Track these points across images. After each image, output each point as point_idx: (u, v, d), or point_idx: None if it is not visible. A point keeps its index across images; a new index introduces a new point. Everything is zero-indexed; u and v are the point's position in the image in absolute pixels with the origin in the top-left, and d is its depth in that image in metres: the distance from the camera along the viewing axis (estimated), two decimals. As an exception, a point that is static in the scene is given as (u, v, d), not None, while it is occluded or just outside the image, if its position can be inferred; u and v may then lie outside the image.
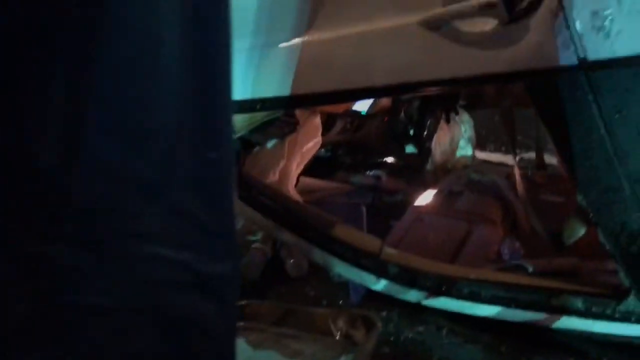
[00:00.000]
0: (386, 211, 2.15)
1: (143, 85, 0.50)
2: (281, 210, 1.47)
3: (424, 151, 2.43)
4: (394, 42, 1.07)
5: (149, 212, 0.51)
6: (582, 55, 0.90)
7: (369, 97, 1.85)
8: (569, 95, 0.93)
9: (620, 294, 1.07)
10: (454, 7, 0.94)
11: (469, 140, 2.47)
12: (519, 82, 1.10)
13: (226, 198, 0.58)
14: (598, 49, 0.91)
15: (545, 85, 0.95)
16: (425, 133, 2.38)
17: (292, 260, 1.50)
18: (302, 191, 1.94)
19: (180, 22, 0.53)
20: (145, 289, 0.51)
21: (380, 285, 1.36)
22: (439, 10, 0.96)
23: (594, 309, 1.10)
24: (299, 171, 1.80)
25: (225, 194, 0.58)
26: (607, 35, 0.89)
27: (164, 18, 0.51)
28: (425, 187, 2.09)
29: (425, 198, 1.97)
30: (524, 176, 2.06)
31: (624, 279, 1.05)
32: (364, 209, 2.17)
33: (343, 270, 1.41)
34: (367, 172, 2.51)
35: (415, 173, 2.48)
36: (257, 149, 1.65)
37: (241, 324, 0.84)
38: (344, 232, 1.43)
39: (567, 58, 0.92)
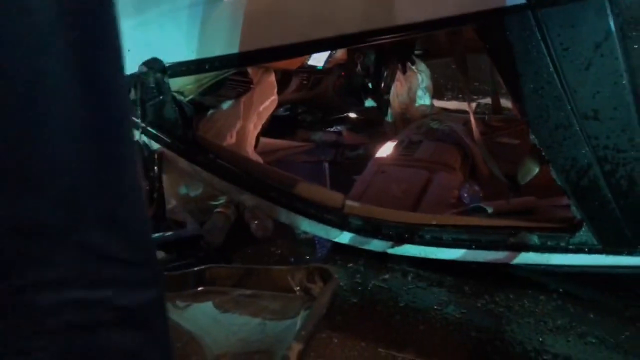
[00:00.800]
0: (348, 166, 2.15)
1: (21, 126, 0.47)
2: (241, 172, 1.45)
3: (383, 103, 2.43)
4: None
5: (57, 257, 0.48)
6: (528, -7, 0.89)
7: (323, 50, 1.81)
8: (517, 34, 0.93)
9: (572, 227, 1.11)
10: None
11: (427, 89, 2.48)
12: (469, 25, 1.09)
13: (142, 226, 0.55)
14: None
15: (494, 26, 0.94)
16: (383, 85, 2.38)
17: (256, 222, 1.49)
18: (262, 152, 1.91)
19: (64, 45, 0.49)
20: (64, 338, 0.49)
21: (345, 238, 1.37)
22: None
23: (549, 243, 1.14)
24: (256, 131, 1.76)
25: (141, 222, 0.55)
26: None
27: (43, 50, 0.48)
28: (385, 139, 2.10)
29: (386, 150, 1.98)
30: (480, 121, 2.10)
31: (575, 212, 1.09)
32: (326, 166, 2.17)
33: (308, 226, 1.41)
34: (328, 129, 2.50)
35: (376, 126, 2.49)
36: (211, 111, 1.60)
37: (201, 288, 0.84)
38: (306, 189, 1.43)
39: (515, -3, 0.91)
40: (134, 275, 0.53)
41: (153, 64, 1.37)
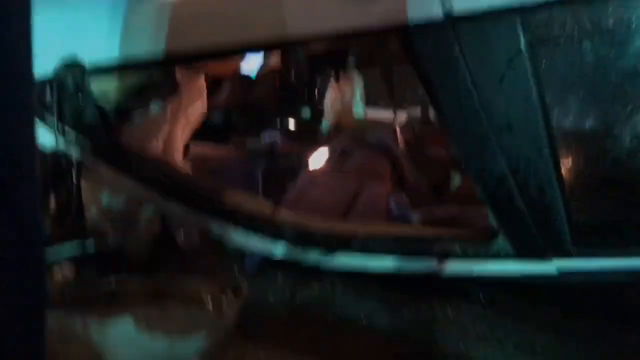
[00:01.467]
0: (282, 175, 2.14)
1: None
2: (167, 181, 1.40)
3: (317, 112, 2.44)
4: None
5: None
6: (448, 9, 0.92)
7: (247, 52, 1.79)
8: (436, 48, 0.96)
9: (490, 235, 1.15)
10: None
11: (360, 98, 2.52)
12: (390, 36, 1.12)
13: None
14: (462, 2, 0.93)
15: (416, 40, 0.97)
16: (317, 93, 2.39)
17: (182, 233, 1.44)
18: (194, 160, 1.86)
19: None
20: None
21: (279, 251, 1.35)
22: None
23: (469, 251, 1.18)
24: (185, 136, 1.71)
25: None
26: None
27: None
28: (319, 147, 2.11)
29: (318, 159, 1.98)
30: (410, 131, 2.16)
31: (492, 220, 1.13)
32: (259, 175, 2.15)
33: (239, 238, 1.38)
34: (262, 136, 2.47)
35: (310, 134, 2.49)
36: (136, 115, 1.54)
37: (114, 304, 0.80)
38: (236, 198, 1.40)
39: (434, 12, 0.94)
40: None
41: (72, 63, 1.30)
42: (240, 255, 1.47)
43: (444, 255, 1.21)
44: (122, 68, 1.27)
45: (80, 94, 1.31)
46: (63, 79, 1.30)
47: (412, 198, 1.65)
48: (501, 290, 1.29)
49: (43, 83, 1.31)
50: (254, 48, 1.28)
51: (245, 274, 1.37)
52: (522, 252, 1.13)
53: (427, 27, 0.94)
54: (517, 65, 0.92)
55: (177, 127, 1.62)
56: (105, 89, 1.40)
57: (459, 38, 0.92)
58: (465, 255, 1.17)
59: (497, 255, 1.14)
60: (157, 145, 1.56)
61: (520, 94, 0.94)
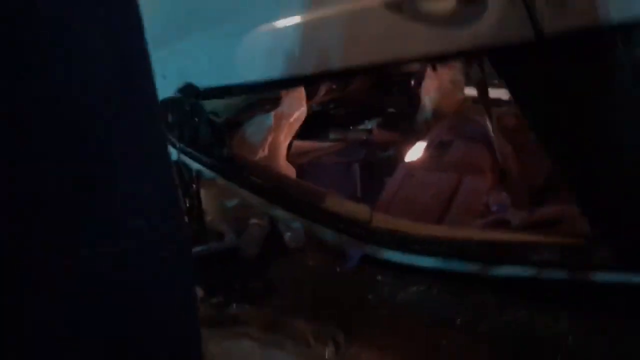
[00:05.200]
0: (379, 167, 2.19)
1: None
2: (272, 188, 1.53)
3: (414, 100, 2.43)
4: (362, 24, 1.09)
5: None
6: (539, 29, 0.91)
7: (344, 77, 1.85)
8: (530, 67, 0.95)
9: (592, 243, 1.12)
10: None
11: (458, 83, 2.46)
12: (483, 57, 1.10)
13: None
14: (553, 24, 0.93)
15: (508, 59, 0.97)
16: (413, 81, 2.38)
17: (289, 233, 1.58)
18: (295, 154, 1.99)
19: None
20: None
21: (377, 252, 1.43)
22: None
23: (570, 260, 1.17)
24: (287, 142, 1.83)
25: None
26: (561, 9, 0.91)
27: None
28: (417, 138, 2.12)
29: (416, 152, 2.00)
30: (510, 119, 2.08)
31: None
32: (357, 167, 2.22)
33: (337, 239, 1.48)
34: (359, 126, 2.53)
35: (408, 123, 2.50)
36: (243, 127, 1.68)
37: (234, 330, 0.93)
38: (334, 203, 1.49)
39: (526, 33, 0.94)
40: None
41: (187, 89, 1.46)
42: (342, 254, 1.57)
43: (542, 264, 1.20)
44: (231, 91, 1.40)
45: (195, 115, 1.48)
46: (180, 102, 1.47)
47: (513, 195, 1.62)
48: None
49: (165, 105, 1.49)
50: (359, 71, 1.33)
51: (345, 273, 1.48)
52: (627, 264, 1.09)
53: (519, 49, 0.93)
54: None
55: (281, 134, 1.75)
56: (216, 106, 1.55)
57: (552, 58, 0.91)
58: (559, 265, 1.16)
59: (599, 267, 1.11)
60: (263, 153, 1.70)
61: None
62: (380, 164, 2.22)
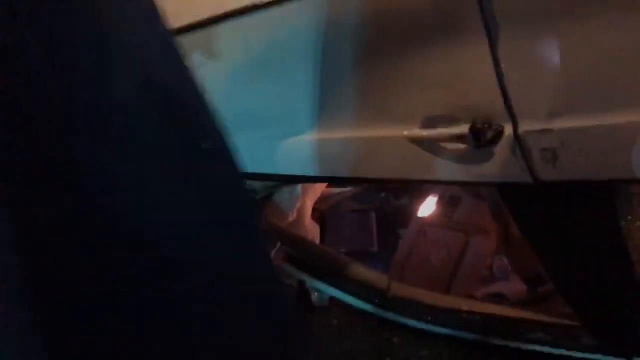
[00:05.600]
0: (394, 217, 2.39)
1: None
2: (300, 256, 1.74)
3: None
4: (387, 147, 1.27)
5: None
6: (535, 177, 1.11)
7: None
8: (528, 203, 1.15)
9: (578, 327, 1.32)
10: (433, 132, 1.14)
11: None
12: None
13: None
14: (547, 175, 1.12)
15: (510, 194, 1.16)
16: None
17: (316, 294, 1.79)
18: (318, 200, 2.20)
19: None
20: None
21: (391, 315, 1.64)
22: (422, 132, 1.17)
23: (556, 341, 1.37)
24: (313, 204, 2.04)
25: None
26: (554, 163, 1.11)
27: None
28: (428, 191, 2.30)
29: (428, 206, 2.20)
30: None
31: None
32: (373, 217, 2.42)
33: (358, 304, 1.69)
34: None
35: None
36: (275, 196, 1.89)
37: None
38: (356, 272, 1.70)
39: (525, 177, 1.13)
40: None
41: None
42: (364, 313, 1.78)
43: (537, 342, 1.40)
44: (272, 179, 1.60)
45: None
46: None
47: (515, 261, 1.82)
48: None
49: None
50: (376, 182, 1.52)
51: (366, 333, 1.69)
52: (608, 350, 1.29)
53: (519, 188, 1.13)
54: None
55: (308, 199, 1.96)
56: (253, 183, 1.76)
57: (546, 198, 1.11)
58: (551, 344, 1.36)
59: (583, 349, 1.31)
60: (292, 217, 1.91)
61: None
62: (394, 214, 2.42)
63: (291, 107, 1.37)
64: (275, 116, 1.43)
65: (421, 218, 2.15)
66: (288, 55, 1.28)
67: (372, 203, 2.49)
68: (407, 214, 2.29)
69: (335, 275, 1.69)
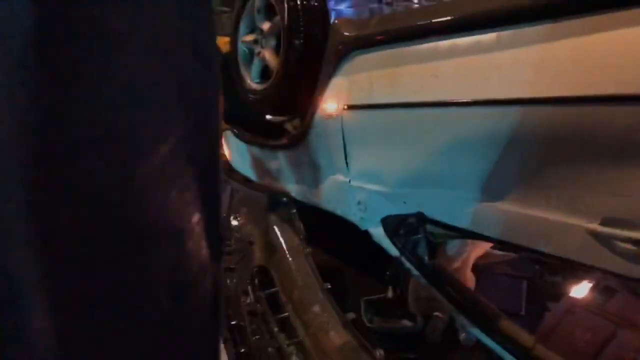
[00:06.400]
0: (545, 289, 2.56)
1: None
2: (459, 298, 2.06)
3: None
4: (564, 230, 1.53)
5: None
6: None
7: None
8: None
9: None
10: (612, 231, 1.39)
11: None
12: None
13: None
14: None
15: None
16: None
17: (464, 334, 2.09)
18: (478, 258, 2.48)
19: None
20: None
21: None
22: (602, 229, 1.42)
23: None
24: (476, 256, 2.35)
25: None
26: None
27: None
28: (584, 275, 2.45)
29: (581, 289, 2.35)
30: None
31: None
32: (524, 285, 2.62)
33: (502, 353, 1.96)
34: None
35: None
36: (447, 244, 2.24)
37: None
38: (505, 324, 1.96)
39: None
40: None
41: (418, 215, 2.08)
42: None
43: None
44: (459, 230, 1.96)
45: (419, 233, 2.08)
46: (412, 222, 2.08)
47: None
48: None
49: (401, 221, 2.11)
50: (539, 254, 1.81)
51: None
52: None
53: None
54: None
55: (472, 253, 2.27)
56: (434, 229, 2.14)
57: None
58: None
59: None
60: (457, 264, 2.24)
61: None
62: (546, 287, 2.59)
63: (490, 179, 1.73)
64: (473, 183, 1.80)
65: (572, 298, 2.32)
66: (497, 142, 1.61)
67: (525, 272, 2.70)
68: (558, 292, 2.46)
69: (486, 322, 1.98)
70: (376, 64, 2.03)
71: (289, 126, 3.17)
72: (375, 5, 3.99)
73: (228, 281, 2.24)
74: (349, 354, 1.86)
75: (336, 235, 2.57)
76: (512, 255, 2.78)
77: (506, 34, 1.57)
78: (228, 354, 1.78)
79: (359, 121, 2.17)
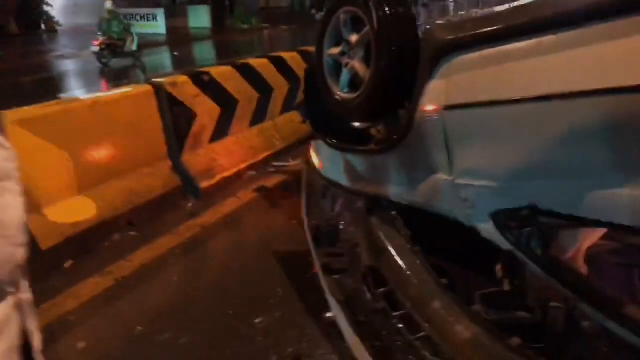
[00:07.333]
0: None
1: None
2: (582, 287, 2.07)
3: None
4: None
5: None
6: None
7: None
8: None
9: None
10: None
11: None
12: None
13: None
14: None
15: None
16: None
17: (587, 323, 2.10)
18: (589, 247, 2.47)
19: None
20: None
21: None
22: None
23: None
24: (588, 245, 2.34)
25: None
26: None
27: None
28: None
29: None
30: None
31: None
32: (637, 272, 2.57)
33: (632, 338, 1.95)
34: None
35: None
36: (560, 232, 2.26)
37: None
38: (634, 311, 1.96)
39: None
40: None
41: (530, 207, 2.11)
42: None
43: None
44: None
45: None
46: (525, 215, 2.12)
47: None
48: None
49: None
50: None
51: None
52: None
53: None
54: None
55: (585, 243, 2.28)
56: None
57: None
58: None
59: None
60: (571, 253, 2.25)
61: None
62: (659, 275, 2.53)
63: (615, 166, 1.74)
64: (597, 171, 1.81)
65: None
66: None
67: (636, 260, 2.65)
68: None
69: (613, 309, 1.98)
70: (478, 64, 2.09)
71: (373, 131, 3.27)
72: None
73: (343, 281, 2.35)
74: (483, 345, 1.91)
75: (432, 234, 2.62)
76: (618, 244, 2.74)
77: (617, 24, 1.60)
78: (366, 349, 1.87)
79: (462, 120, 2.23)
